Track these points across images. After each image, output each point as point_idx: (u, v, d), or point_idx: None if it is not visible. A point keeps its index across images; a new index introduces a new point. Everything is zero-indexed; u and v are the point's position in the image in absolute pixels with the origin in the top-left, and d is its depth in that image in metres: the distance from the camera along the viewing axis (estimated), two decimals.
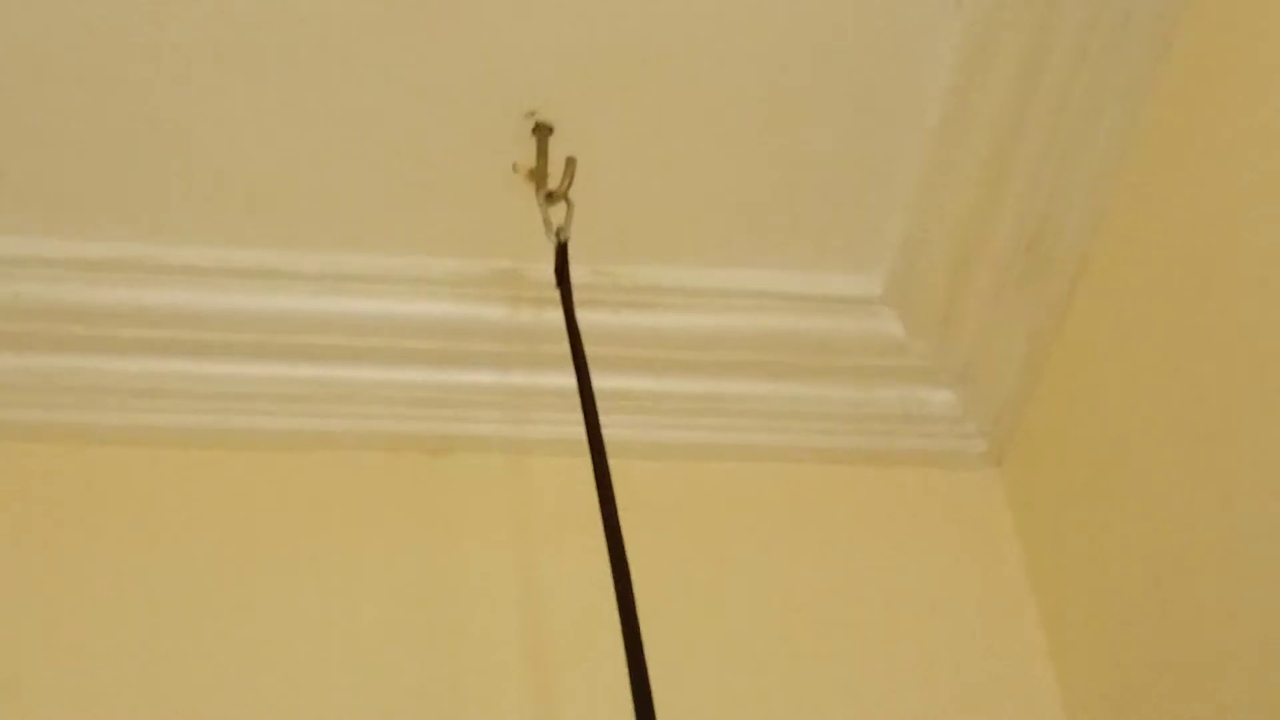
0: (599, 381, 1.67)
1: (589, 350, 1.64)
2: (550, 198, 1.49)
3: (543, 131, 1.53)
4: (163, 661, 1.47)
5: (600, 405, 1.66)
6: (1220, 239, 1.33)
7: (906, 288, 1.70)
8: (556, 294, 1.56)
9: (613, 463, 1.64)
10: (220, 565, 1.55)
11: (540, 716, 1.45)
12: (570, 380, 1.59)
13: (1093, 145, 1.50)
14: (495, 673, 1.49)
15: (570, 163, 1.52)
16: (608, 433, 1.66)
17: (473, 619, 1.53)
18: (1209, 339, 1.35)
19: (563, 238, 1.46)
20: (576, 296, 1.62)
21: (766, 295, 1.71)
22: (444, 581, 1.56)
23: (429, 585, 1.55)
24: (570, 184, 1.50)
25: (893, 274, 1.70)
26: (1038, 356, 1.65)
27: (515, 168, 1.56)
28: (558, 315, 1.56)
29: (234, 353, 1.65)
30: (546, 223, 1.47)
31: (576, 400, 1.63)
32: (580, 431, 1.60)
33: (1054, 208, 1.56)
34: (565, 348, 1.57)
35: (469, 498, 1.63)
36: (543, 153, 1.53)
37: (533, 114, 1.53)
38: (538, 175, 1.53)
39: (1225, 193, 1.33)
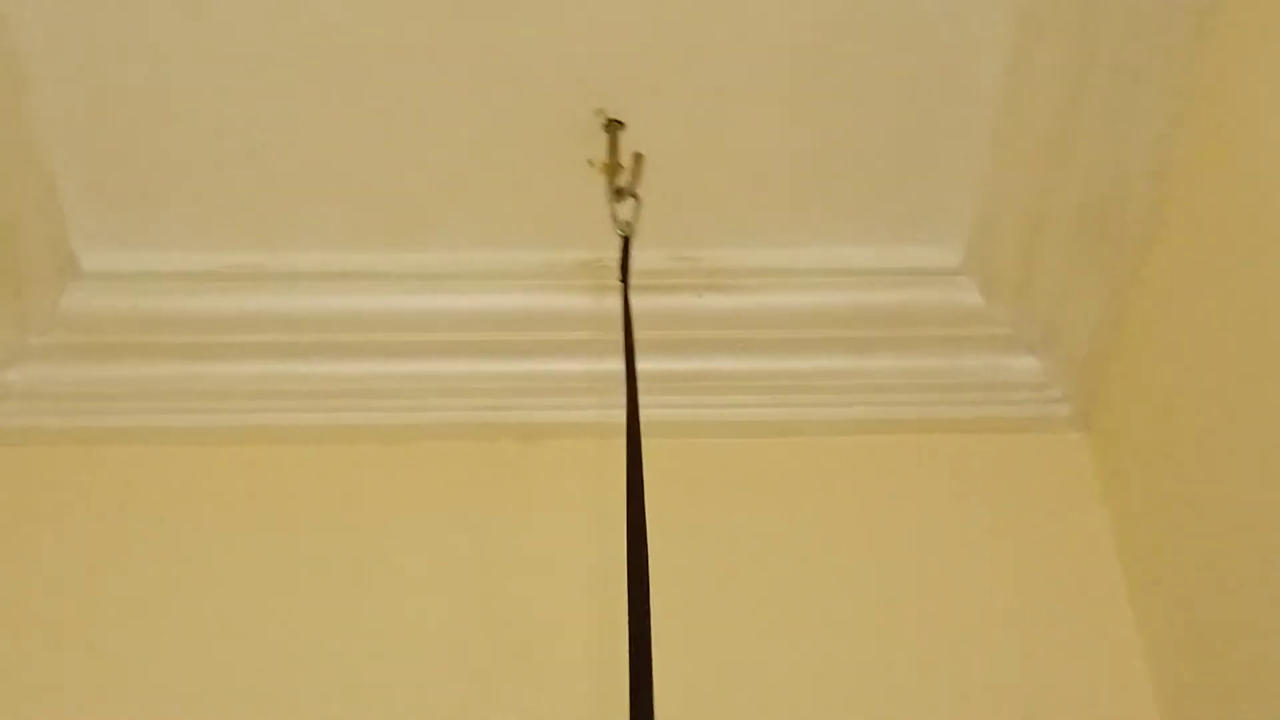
0: (685, 364, 1.74)
1: (673, 334, 1.71)
2: (619, 194, 1.54)
3: (614, 127, 1.58)
4: (272, 634, 1.59)
5: (686, 387, 1.73)
6: None
7: (983, 256, 1.71)
8: (644, 280, 1.62)
9: (697, 442, 1.71)
10: (330, 550, 1.65)
11: (614, 693, 1.50)
12: (654, 365, 1.65)
13: (1153, 101, 1.50)
14: (575, 649, 1.56)
15: (638, 159, 1.56)
16: (693, 413, 1.72)
17: (555, 596, 1.60)
18: None
19: (627, 232, 1.51)
20: (659, 283, 1.70)
21: (845, 271, 1.73)
22: (533, 561, 1.64)
23: (518, 565, 1.63)
24: (638, 180, 1.54)
25: (969, 244, 1.72)
26: (1118, 318, 1.66)
27: (591, 163, 1.61)
28: (642, 301, 1.62)
29: (337, 353, 1.73)
30: (614, 218, 1.52)
31: (665, 383, 1.70)
32: (666, 414, 1.67)
33: (1121, 167, 1.56)
34: (649, 333, 1.62)
35: (559, 482, 1.70)
36: (614, 148, 1.58)
37: (602, 110, 1.58)
38: (610, 170, 1.58)
39: None
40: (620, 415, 1.69)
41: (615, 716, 1.47)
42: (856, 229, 1.72)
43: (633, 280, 1.56)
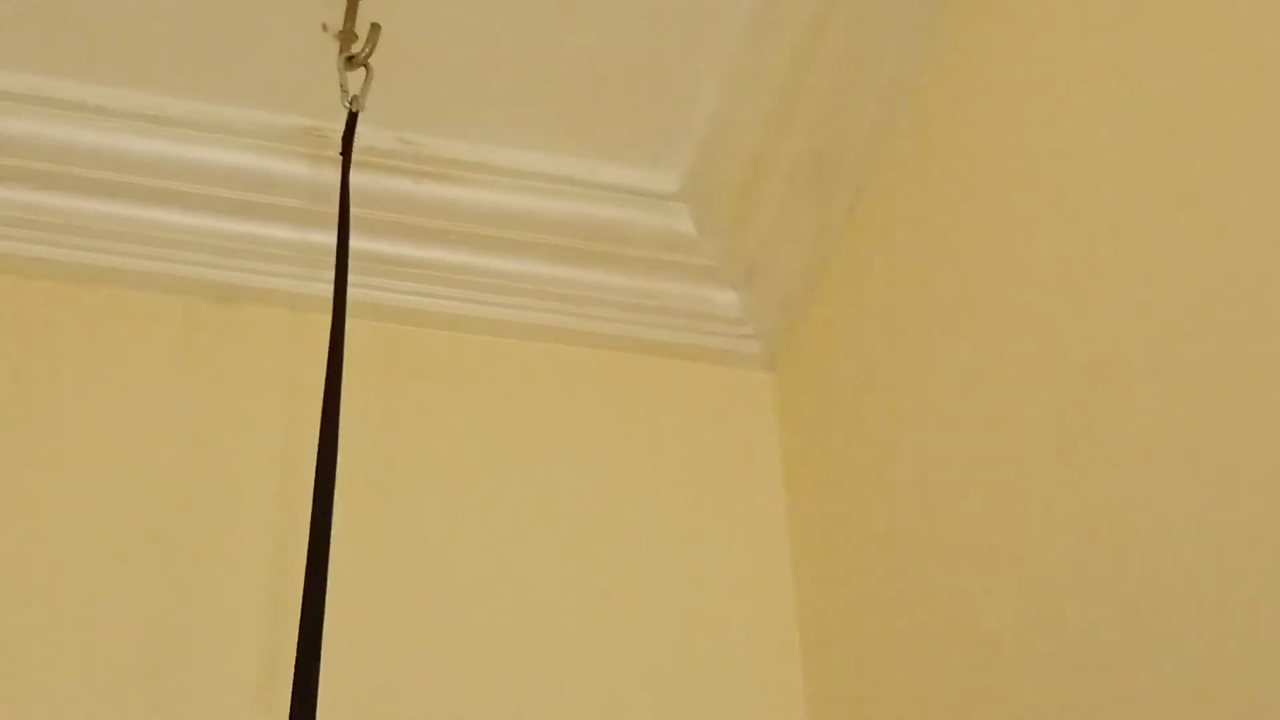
0: (394, 248, 1.72)
1: (386, 216, 1.70)
2: (351, 62, 1.51)
3: None
4: None
5: (392, 271, 1.71)
6: (998, 167, 1.37)
7: (703, 187, 1.75)
8: (364, 158, 1.60)
9: (397, 329, 1.70)
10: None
11: (280, 572, 1.49)
12: (364, 245, 1.63)
13: (886, 62, 1.54)
14: (240, 522, 1.53)
15: (374, 29, 1.53)
16: (396, 298, 1.71)
17: (228, 462, 1.57)
18: (980, 266, 1.39)
19: (355, 108, 1.48)
20: (381, 163, 1.69)
21: (565, 180, 1.74)
22: (208, 426, 1.59)
23: (192, 428, 1.58)
24: (372, 51, 1.51)
25: (691, 172, 1.75)
26: (819, 266, 1.71)
27: (325, 28, 1.57)
28: (359, 179, 1.60)
29: (29, 181, 1.64)
30: (343, 88, 1.49)
31: (371, 265, 1.68)
32: (369, 295, 1.65)
33: (847, 121, 1.60)
34: (363, 212, 1.61)
35: (248, 348, 1.65)
36: (351, 16, 1.54)
37: None
38: (344, 38, 1.54)
39: (1009, 120, 1.37)
40: (320, 288, 1.68)
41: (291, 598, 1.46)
42: (583, 139, 1.73)
43: (354, 157, 1.53)
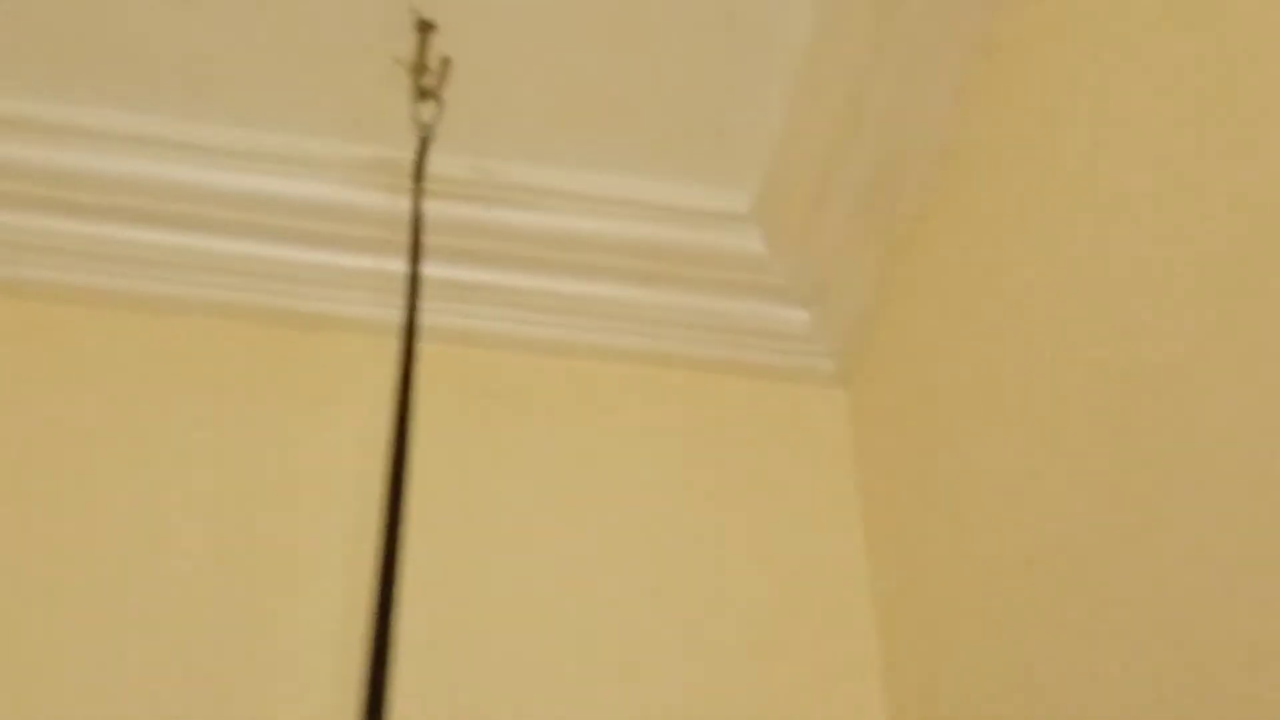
0: (468, 274, 1.75)
1: (460, 242, 1.72)
2: (423, 94, 1.55)
3: (425, 28, 1.58)
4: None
5: (467, 295, 1.74)
6: (1063, 179, 1.37)
7: (773, 207, 1.76)
8: (439, 186, 1.63)
9: (471, 351, 1.73)
10: (81, 422, 1.61)
11: (354, 596, 1.49)
12: (438, 271, 1.66)
13: (947, 78, 1.55)
14: (322, 543, 1.57)
15: (445, 62, 1.57)
16: (471, 323, 1.74)
17: (310, 486, 1.61)
18: (1047, 278, 1.39)
19: (425, 134, 1.52)
20: (455, 191, 1.72)
21: (636, 203, 1.77)
22: (295, 448, 1.63)
23: (278, 453, 1.62)
24: (443, 83, 1.55)
25: (761, 193, 1.77)
26: (888, 284, 1.72)
27: (398, 61, 1.61)
28: (434, 207, 1.63)
29: (117, 216, 1.69)
30: (415, 119, 1.53)
31: (446, 290, 1.71)
32: (444, 320, 1.68)
33: (910, 137, 1.61)
34: (436, 239, 1.64)
35: (329, 374, 1.69)
36: (423, 49, 1.58)
37: (415, 10, 1.58)
38: (416, 71, 1.58)
39: (1073, 131, 1.37)
40: (398, 315, 1.71)
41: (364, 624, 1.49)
42: (653, 163, 1.75)
43: (427, 185, 1.57)
